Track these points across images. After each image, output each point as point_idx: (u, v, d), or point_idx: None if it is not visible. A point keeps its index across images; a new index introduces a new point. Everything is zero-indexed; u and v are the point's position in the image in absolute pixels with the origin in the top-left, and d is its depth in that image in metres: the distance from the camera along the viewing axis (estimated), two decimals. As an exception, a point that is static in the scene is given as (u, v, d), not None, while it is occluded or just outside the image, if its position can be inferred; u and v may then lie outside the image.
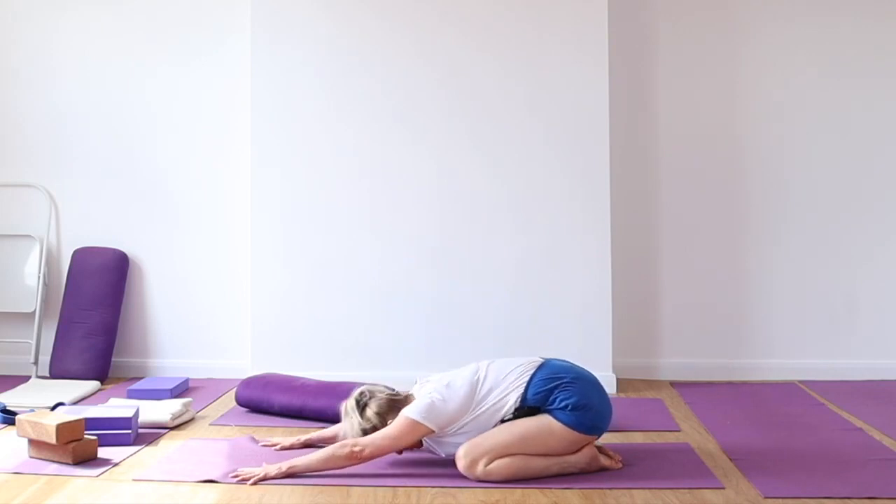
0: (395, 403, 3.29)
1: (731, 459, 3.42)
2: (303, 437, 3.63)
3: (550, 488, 3.08)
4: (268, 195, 4.82)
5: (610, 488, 3.09)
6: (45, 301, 5.13)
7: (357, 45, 4.81)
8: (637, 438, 3.75)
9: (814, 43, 5.00)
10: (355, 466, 3.21)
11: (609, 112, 4.75)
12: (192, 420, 4.07)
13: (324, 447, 3.35)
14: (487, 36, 4.79)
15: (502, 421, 3.22)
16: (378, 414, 3.26)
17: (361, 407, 3.28)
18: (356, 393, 3.35)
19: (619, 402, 4.29)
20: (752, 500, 2.97)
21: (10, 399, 4.34)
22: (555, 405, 3.19)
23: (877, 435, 3.78)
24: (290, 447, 3.57)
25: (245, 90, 4.91)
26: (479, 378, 3.27)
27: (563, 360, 3.38)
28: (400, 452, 3.32)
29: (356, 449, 3.17)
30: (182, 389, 4.61)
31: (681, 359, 5.03)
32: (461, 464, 3.15)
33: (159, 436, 3.77)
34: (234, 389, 4.41)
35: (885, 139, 5.00)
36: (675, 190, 5.03)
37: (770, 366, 4.99)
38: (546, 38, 4.77)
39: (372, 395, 3.32)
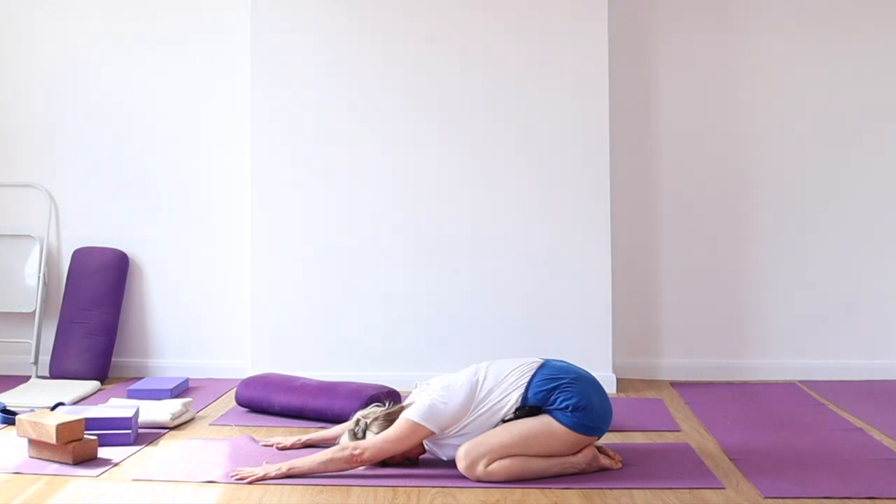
0: (392, 416, 3.29)
1: (731, 459, 3.42)
2: (303, 438, 3.63)
3: (550, 488, 3.08)
4: (268, 195, 4.82)
5: (610, 488, 3.09)
6: (45, 301, 5.13)
7: (357, 40, 4.81)
8: (637, 438, 3.75)
9: (816, 45, 5.00)
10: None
11: (609, 112, 4.75)
12: (192, 420, 4.07)
13: (325, 448, 3.36)
14: (486, 37, 4.79)
15: (503, 421, 3.22)
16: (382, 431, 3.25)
17: (363, 435, 3.27)
18: (352, 423, 3.33)
19: (619, 402, 4.29)
20: (752, 500, 2.97)
21: (10, 399, 4.34)
22: (555, 406, 3.19)
23: (877, 435, 3.78)
24: (291, 447, 3.57)
25: (245, 90, 4.91)
26: (478, 379, 3.27)
27: (563, 361, 3.38)
28: (401, 460, 3.31)
29: (356, 452, 3.17)
30: (182, 389, 4.61)
31: (681, 359, 5.03)
32: (461, 464, 3.15)
33: (159, 436, 3.77)
34: (234, 389, 4.41)
35: (886, 139, 5.00)
36: (676, 190, 5.03)
37: (770, 366, 4.99)
38: (546, 38, 4.77)
39: (367, 418, 3.31)
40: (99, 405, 3.99)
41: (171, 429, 3.89)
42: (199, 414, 4.19)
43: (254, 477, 3.15)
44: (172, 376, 4.81)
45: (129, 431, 3.62)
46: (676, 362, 5.03)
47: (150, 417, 3.87)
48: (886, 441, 3.68)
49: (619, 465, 3.31)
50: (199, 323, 5.11)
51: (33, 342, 5.02)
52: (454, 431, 3.22)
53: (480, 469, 3.13)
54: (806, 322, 5.00)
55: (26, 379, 4.91)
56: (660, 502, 2.96)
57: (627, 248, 4.99)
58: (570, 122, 4.76)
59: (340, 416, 3.89)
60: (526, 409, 3.21)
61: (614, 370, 4.77)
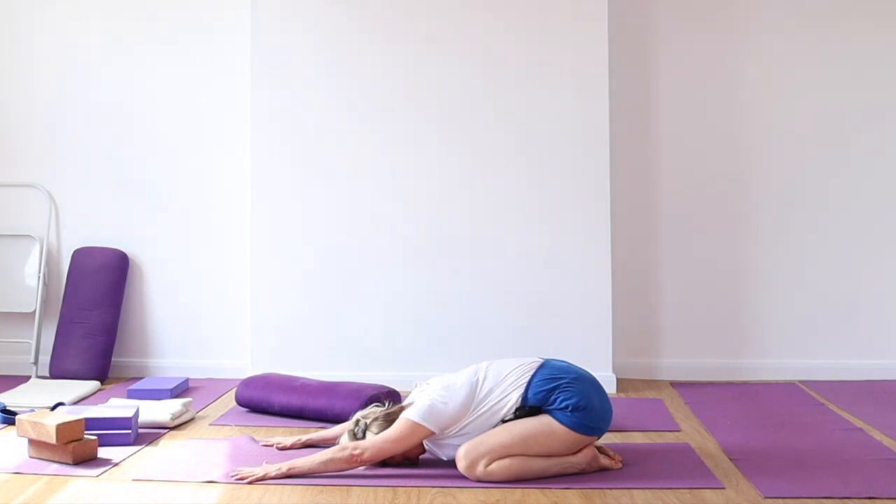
0: (392, 416, 3.29)
1: (731, 459, 3.42)
2: (303, 438, 3.63)
3: (550, 488, 3.08)
4: (268, 195, 4.82)
5: (610, 488, 3.09)
6: (45, 301, 5.13)
7: (357, 40, 4.81)
8: (637, 438, 3.75)
9: (816, 45, 5.00)
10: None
11: (610, 112, 4.75)
12: (192, 420, 4.07)
13: (325, 448, 3.36)
14: (486, 37, 4.79)
15: (503, 421, 3.22)
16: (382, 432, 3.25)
17: (362, 435, 3.27)
18: (352, 424, 3.33)
19: (619, 402, 4.29)
20: (752, 500, 2.97)
21: (10, 399, 4.34)
22: (555, 406, 3.19)
23: (877, 435, 3.78)
24: (291, 447, 3.57)
25: (245, 90, 4.91)
26: (478, 379, 3.27)
27: (563, 361, 3.38)
28: (401, 460, 3.31)
29: (356, 452, 3.17)
30: (182, 389, 4.61)
31: (681, 359, 5.03)
32: (461, 465, 3.15)
33: (159, 436, 3.77)
34: (234, 389, 4.41)
35: (886, 139, 5.00)
36: (676, 190, 5.03)
37: (770, 366, 4.99)
38: (546, 38, 4.77)
39: (367, 418, 3.31)
40: (99, 405, 3.99)
41: (171, 429, 3.89)
42: (199, 414, 4.19)
43: (254, 477, 3.15)
44: (172, 376, 4.81)
45: (129, 431, 3.62)
46: (676, 362, 5.03)
47: (150, 417, 3.87)
48: (886, 441, 3.68)
49: (619, 465, 3.31)
50: (199, 323, 5.11)
51: (33, 342, 5.02)
52: (454, 431, 3.22)
53: (480, 469, 3.13)
54: (806, 322, 5.00)
55: (26, 379, 4.91)
56: (660, 502, 2.96)
57: (627, 248, 4.99)
58: (570, 122, 4.76)
59: (340, 416, 3.89)
60: (526, 409, 3.21)
61: (614, 370, 4.77)
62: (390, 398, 3.96)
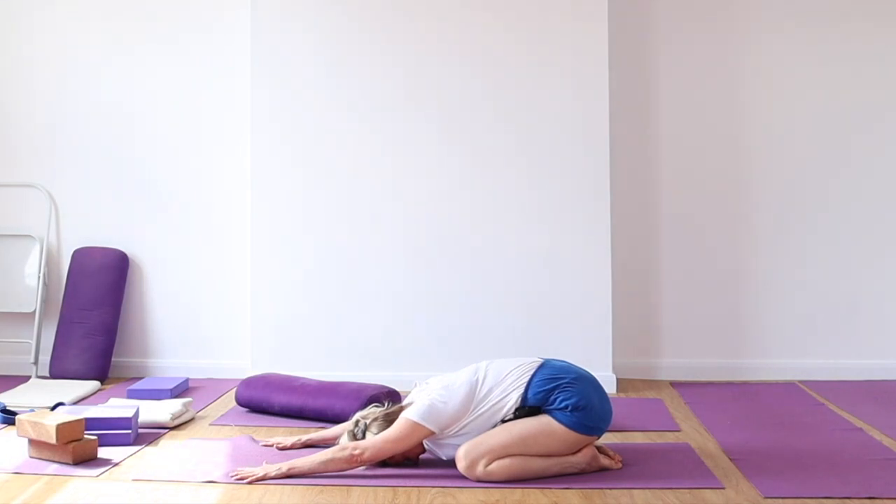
0: (392, 416, 3.29)
1: (731, 459, 3.43)
2: (303, 438, 3.63)
3: (550, 488, 3.08)
4: (268, 195, 4.82)
5: (610, 488, 3.09)
6: (45, 301, 5.13)
7: (357, 40, 4.81)
8: (637, 438, 3.75)
9: (816, 45, 5.00)
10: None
11: (609, 112, 4.76)
12: (192, 420, 4.08)
13: (325, 448, 3.36)
14: (486, 37, 4.79)
15: (503, 421, 3.22)
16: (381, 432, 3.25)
17: (362, 436, 3.27)
18: (352, 424, 3.33)
19: (619, 402, 4.29)
20: (752, 500, 2.97)
21: (10, 399, 4.34)
22: (555, 405, 3.19)
23: (877, 435, 3.78)
24: (291, 447, 3.57)
25: (245, 90, 4.91)
26: (478, 378, 3.27)
27: (563, 361, 3.38)
28: (401, 460, 3.31)
29: (356, 452, 3.17)
30: (182, 389, 4.61)
31: (681, 359, 5.03)
32: (461, 464, 3.15)
33: (159, 436, 3.77)
34: (234, 389, 4.41)
35: (886, 139, 5.00)
36: (676, 190, 5.03)
37: (770, 366, 4.99)
38: (546, 38, 4.77)
39: (367, 418, 3.31)
40: (99, 405, 3.99)
41: (171, 429, 3.89)
42: (199, 414, 4.19)
43: (254, 477, 3.15)
44: (172, 376, 4.81)
45: (129, 431, 3.62)
46: (676, 362, 5.03)
47: (150, 417, 3.87)
48: (886, 441, 3.68)
49: (619, 465, 3.31)
50: (199, 323, 5.11)
51: (33, 342, 5.02)
52: (454, 431, 3.22)
53: (480, 469, 3.13)
54: (806, 322, 5.00)
55: (26, 379, 4.91)
56: (660, 502, 2.96)
57: (627, 248, 4.99)
58: (570, 122, 4.76)
59: (340, 416, 3.89)
60: (526, 409, 3.21)
61: (614, 370, 4.77)
62: (390, 398, 3.97)
